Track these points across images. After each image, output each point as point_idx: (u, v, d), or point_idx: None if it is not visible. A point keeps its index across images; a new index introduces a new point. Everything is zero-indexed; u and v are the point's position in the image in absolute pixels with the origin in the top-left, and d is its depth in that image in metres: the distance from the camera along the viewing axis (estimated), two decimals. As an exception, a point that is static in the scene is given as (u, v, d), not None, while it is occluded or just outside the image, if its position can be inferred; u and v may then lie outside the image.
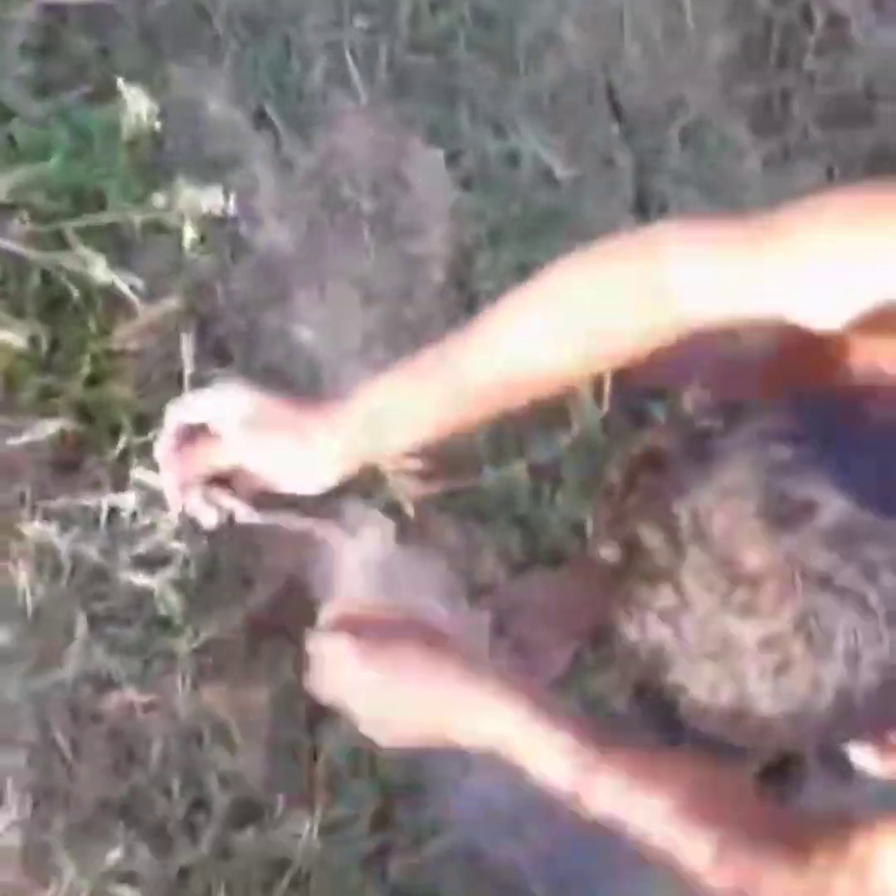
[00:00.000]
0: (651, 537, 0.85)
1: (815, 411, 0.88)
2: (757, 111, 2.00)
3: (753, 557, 0.82)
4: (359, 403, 1.09)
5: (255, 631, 1.40)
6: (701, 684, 0.85)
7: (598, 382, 1.68)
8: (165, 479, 1.14)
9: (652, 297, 1.01)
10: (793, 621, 0.81)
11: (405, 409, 1.08)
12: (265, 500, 1.17)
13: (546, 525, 1.67)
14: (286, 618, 1.44)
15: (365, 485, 1.43)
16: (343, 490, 1.43)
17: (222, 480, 1.15)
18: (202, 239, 1.21)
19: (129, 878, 1.25)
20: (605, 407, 1.61)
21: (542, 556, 1.66)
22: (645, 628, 0.86)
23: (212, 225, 1.31)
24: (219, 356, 1.36)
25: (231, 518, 1.16)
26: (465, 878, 1.51)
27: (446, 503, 1.58)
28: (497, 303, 1.08)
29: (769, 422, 0.86)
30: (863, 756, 0.91)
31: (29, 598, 1.24)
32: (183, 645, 1.33)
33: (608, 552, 0.89)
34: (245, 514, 1.16)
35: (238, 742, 1.35)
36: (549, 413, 1.68)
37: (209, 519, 1.15)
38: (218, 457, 1.11)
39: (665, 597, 0.85)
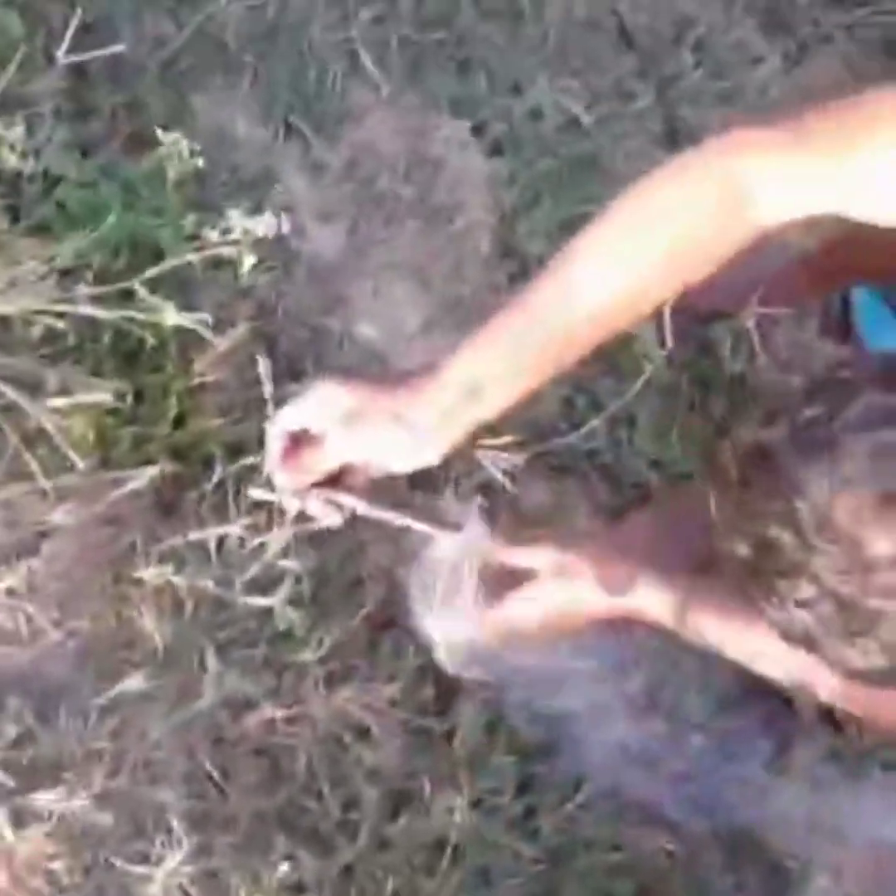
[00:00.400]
0: (779, 536, 0.88)
1: None
2: (764, 12, 1.98)
3: (882, 543, 0.85)
4: (452, 371, 1.10)
5: (373, 629, 1.43)
6: (854, 655, 0.89)
7: (658, 318, 1.69)
8: (281, 490, 1.16)
9: (728, 204, 1.04)
10: None
11: (499, 366, 1.09)
12: (379, 494, 1.20)
13: (629, 469, 1.69)
14: (399, 611, 1.47)
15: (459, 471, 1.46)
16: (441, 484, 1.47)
17: (335, 479, 1.16)
18: (255, 265, 1.22)
19: (297, 887, 1.30)
20: (669, 343, 1.61)
21: (631, 500, 1.68)
22: (790, 618, 0.90)
23: (265, 245, 1.32)
24: (292, 372, 1.38)
25: (353, 515, 1.19)
26: (611, 822, 1.55)
27: (533, 466, 1.61)
28: (569, 242, 1.08)
29: (871, 405, 0.87)
30: None
31: (158, 639, 1.27)
32: (309, 655, 1.37)
33: (741, 551, 0.91)
34: (364, 508, 1.18)
35: (378, 737, 1.39)
36: (617, 358, 1.70)
37: (333, 519, 1.17)
38: (326, 457, 1.13)
39: (804, 589, 0.88)
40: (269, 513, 1.34)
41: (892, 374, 0.90)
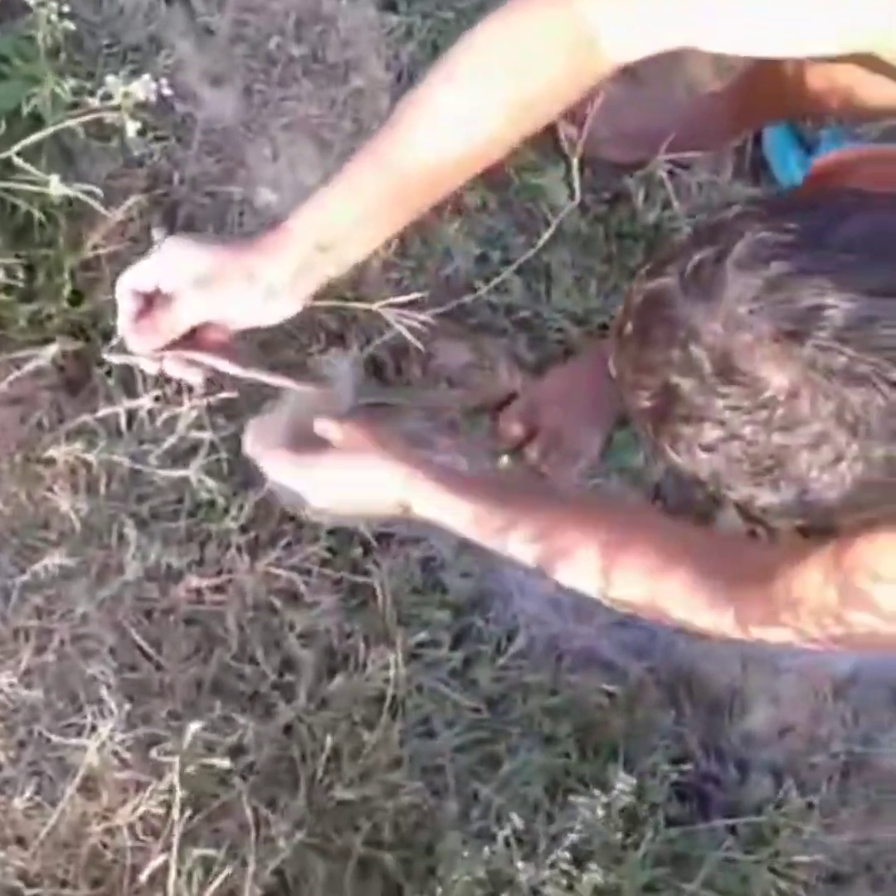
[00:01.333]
0: (680, 383, 0.89)
1: (801, 219, 0.88)
2: None
3: (780, 377, 0.86)
4: (300, 226, 1.09)
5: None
6: (765, 492, 0.90)
7: (566, 170, 1.67)
8: (136, 352, 1.15)
9: (574, 45, 1.03)
10: (832, 419, 0.86)
11: (347, 217, 1.08)
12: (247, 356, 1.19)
13: (549, 324, 1.68)
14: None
15: (366, 330, 1.45)
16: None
17: (192, 338, 1.15)
18: (144, 130, 1.19)
19: (236, 749, 1.32)
20: (578, 195, 1.60)
21: (551, 355, 1.68)
22: (697, 462, 0.91)
23: (152, 113, 1.30)
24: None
25: (216, 371, 1.18)
26: (548, 668, 1.58)
27: (450, 326, 1.60)
28: (414, 90, 1.07)
29: (757, 242, 0.87)
30: None
31: (74, 516, 1.27)
32: (231, 523, 1.37)
33: (644, 402, 0.92)
34: (225, 367, 1.18)
35: (308, 599, 1.40)
36: (525, 211, 1.68)
37: (194, 378, 1.17)
38: (179, 319, 1.12)
39: (708, 434, 0.89)
40: (179, 384, 1.34)
41: (778, 210, 0.90)
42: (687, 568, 1.11)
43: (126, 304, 1.13)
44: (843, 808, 1.67)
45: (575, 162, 1.55)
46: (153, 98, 1.14)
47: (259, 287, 1.09)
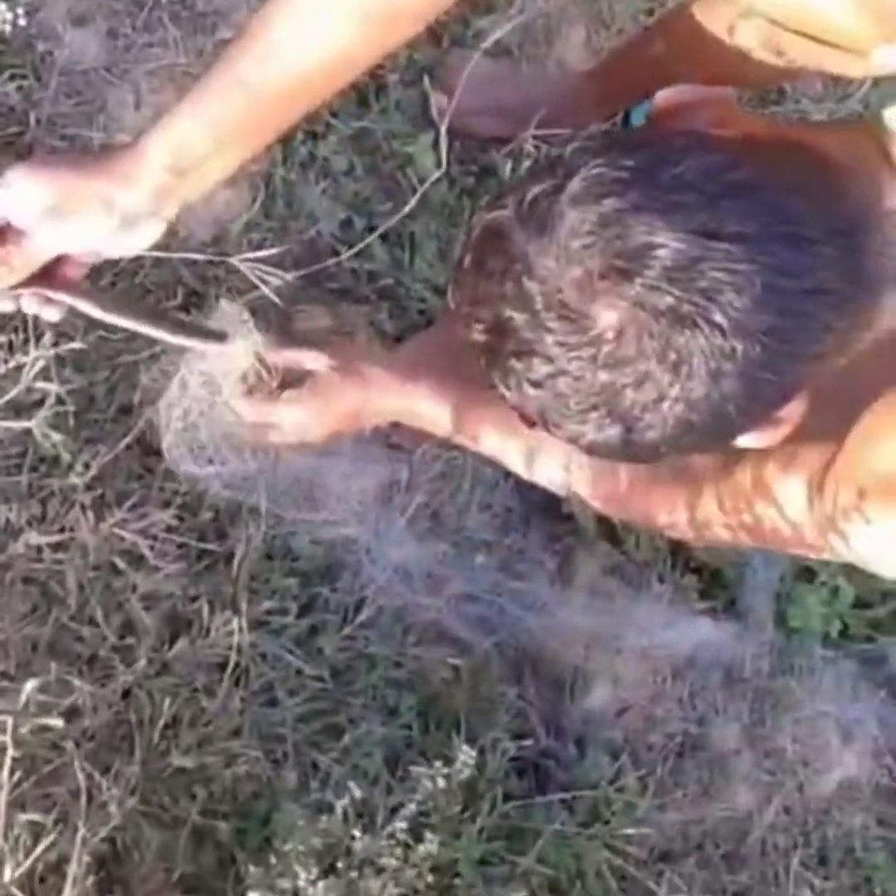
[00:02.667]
0: (512, 317, 0.88)
1: (636, 156, 0.88)
2: None
3: (608, 314, 0.86)
4: (155, 147, 1.05)
5: (145, 454, 1.40)
6: (590, 430, 0.90)
7: (434, 139, 1.66)
8: None
9: None
10: (655, 359, 0.86)
11: (201, 136, 1.04)
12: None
13: (411, 293, 1.67)
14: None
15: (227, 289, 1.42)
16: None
17: (50, 272, 1.10)
18: (0, 69, 1.14)
19: (71, 711, 1.28)
20: (443, 164, 1.59)
21: (414, 325, 1.67)
22: (526, 399, 0.90)
23: (10, 49, 1.24)
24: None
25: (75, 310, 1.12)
26: (394, 639, 1.57)
27: (311, 291, 1.58)
28: (265, 5, 1.03)
29: (593, 177, 0.87)
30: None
31: None
32: (75, 479, 1.33)
33: (478, 337, 0.91)
34: (87, 307, 1.12)
35: (153, 563, 1.37)
36: (392, 179, 1.67)
37: (52, 316, 1.11)
38: (32, 253, 1.07)
39: (537, 369, 0.88)
40: (26, 332, 1.29)
41: (615, 146, 0.89)
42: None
43: None
44: (676, 787, 1.70)
45: (443, 131, 1.54)
46: (9, 28, 1.09)
47: (115, 215, 1.04)
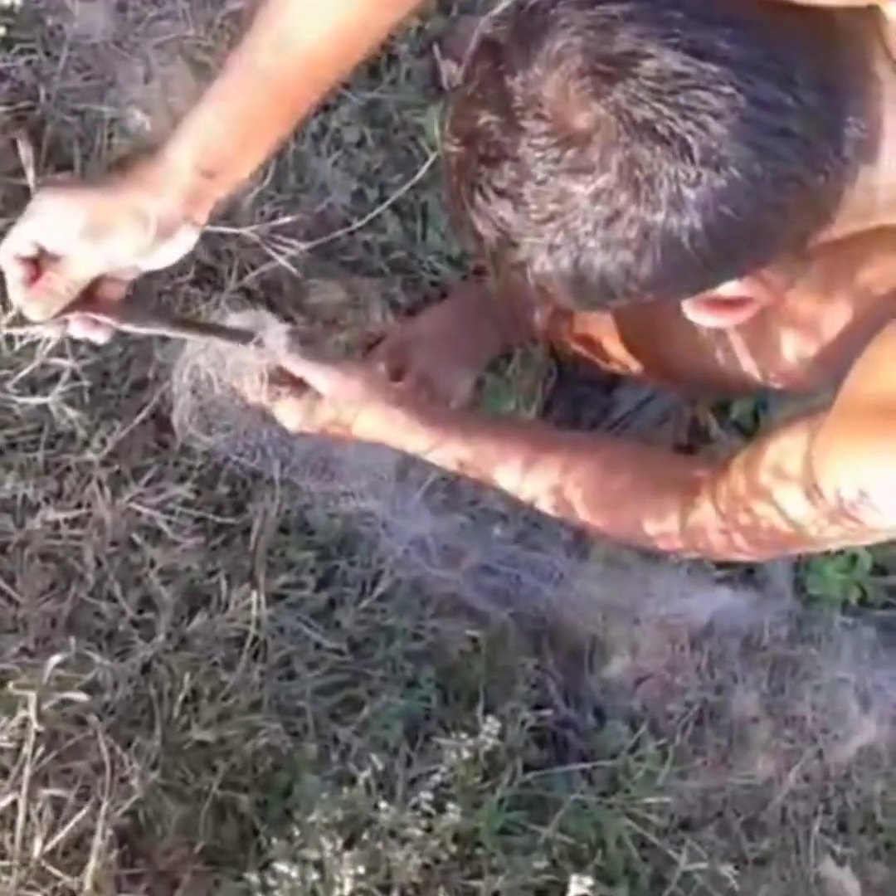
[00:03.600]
0: (488, 121, 0.86)
1: None
2: None
3: (582, 116, 0.84)
4: (181, 152, 1.04)
5: (161, 429, 1.40)
6: (543, 252, 0.87)
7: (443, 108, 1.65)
8: (36, 320, 1.09)
9: None
10: (618, 173, 0.84)
11: (232, 134, 1.04)
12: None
13: (424, 264, 1.67)
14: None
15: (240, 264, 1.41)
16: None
17: (91, 295, 1.10)
18: (10, 42, 1.14)
19: (92, 687, 1.28)
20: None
21: (427, 297, 1.67)
22: (489, 212, 0.87)
23: (19, 23, 1.24)
24: (58, 162, 1.31)
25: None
26: (412, 612, 1.57)
27: (324, 264, 1.57)
28: None
29: None
30: (698, 315, 0.96)
31: (-75, 444, 1.22)
32: (91, 455, 1.33)
33: (452, 148, 0.89)
34: (131, 325, 1.13)
35: (170, 537, 1.37)
36: (404, 150, 1.66)
37: (101, 338, 1.11)
38: (74, 276, 1.07)
39: (506, 173, 0.86)
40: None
41: None
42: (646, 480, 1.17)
43: (13, 273, 1.06)
44: (695, 755, 1.70)
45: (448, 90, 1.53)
46: (19, 3, 1.09)
47: (150, 226, 1.04)
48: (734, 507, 1.09)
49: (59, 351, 1.26)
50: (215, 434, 1.28)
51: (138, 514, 1.36)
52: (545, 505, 1.24)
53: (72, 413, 1.26)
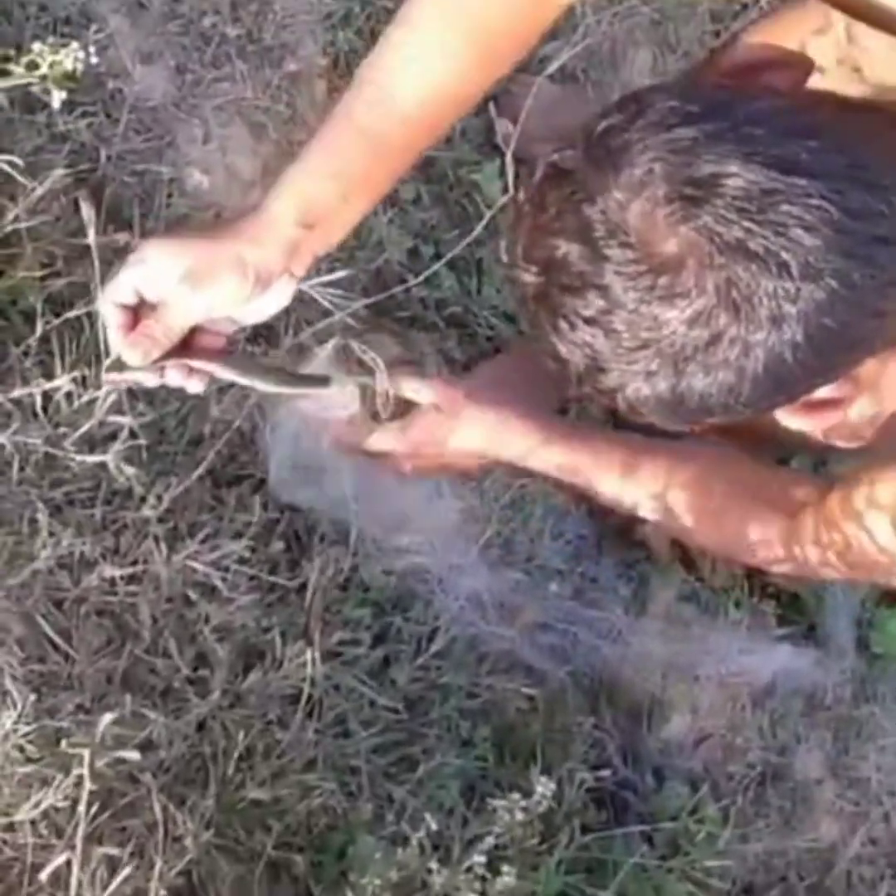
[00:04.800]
0: (568, 251, 0.85)
1: (710, 93, 0.87)
2: None
3: (671, 242, 0.83)
4: (283, 205, 1.04)
5: (216, 486, 1.40)
6: (638, 377, 0.86)
7: (500, 164, 1.66)
8: (134, 366, 1.08)
9: None
10: (715, 295, 0.83)
11: (332, 188, 1.04)
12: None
13: (479, 319, 1.67)
14: (243, 464, 1.45)
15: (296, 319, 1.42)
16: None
17: (186, 344, 1.09)
18: (72, 106, 1.15)
19: (147, 744, 1.28)
20: (511, 189, 1.58)
21: (482, 352, 1.67)
22: (576, 341, 0.87)
23: (81, 88, 1.26)
24: (118, 221, 1.32)
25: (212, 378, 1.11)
26: (468, 668, 1.56)
27: (380, 320, 1.58)
28: (378, 46, 1.04)
29: (666, 109, 0.84)
30: (791, 420, 0.95)
31: (-16, 500, 1.23)
32: (148, 512, 1.33)
33: (529, 278, 0.88)
34: (229, 375, 1.12)
35: (225, 594, 1.37)
36: (460, 206, 1.67)
37: (195, 387, 1.10)
38: (173, 323, 1.06)
39: (592, 302, 0.85)
40: (99, 367, 1.30)
41: (689, 85, 0.89)
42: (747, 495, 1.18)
43: (113, 319, 1.06)
44: (758, 817, 1.67)
45: (509, 157, 1.54)
46: (81, 67, 1.10)
47: (249, 275, 1.04)
48: (830, 526, 1.09)
49: (116, 408, 1.27)
50: (307, 488, 1.29)
51: (194, 570, 1.36)
52: (647, 510, 1.23)
53: (129, 470, 1.26)
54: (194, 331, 1.09)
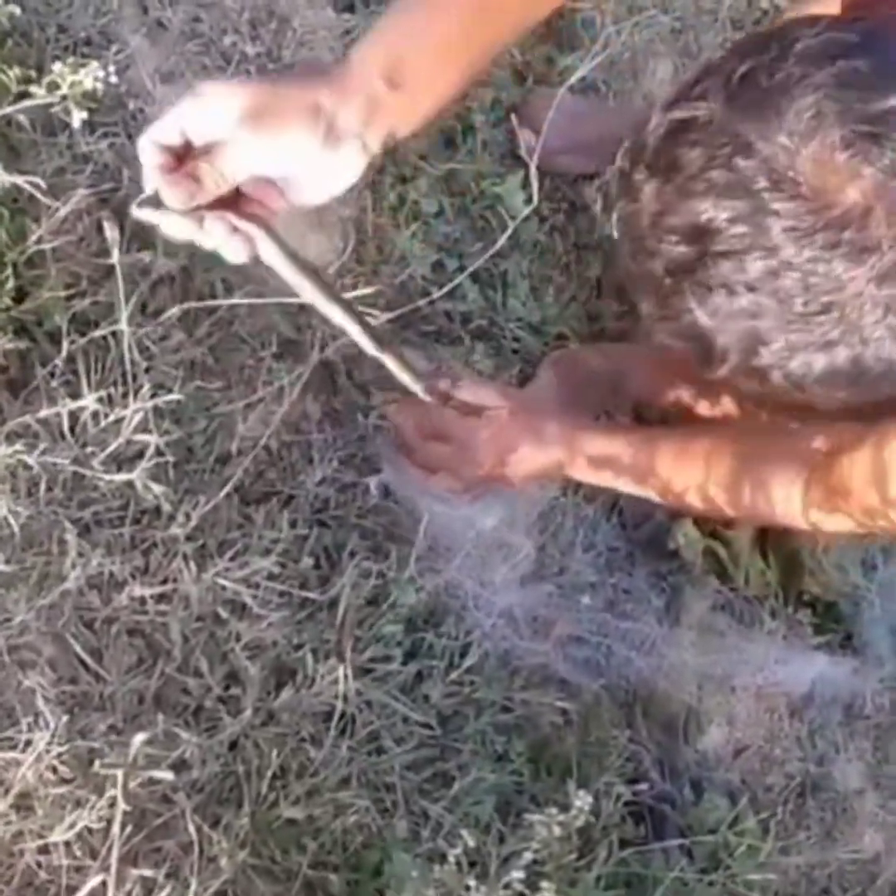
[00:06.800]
0: (715, 215, 0.76)
1: (859, 25, 0.78)
2: None
3: (852, 190, 0.73)
4: (368, 54, 0.93)
5: (244, 503, 1.40)
6: (808, 350, 0.76)
7: (524, 177, 1.66)
8: (172, 206, 0.93)
9: None
10: None
11: (422, 43, 0.93)
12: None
13: (504, 332, 1.66)
14: (271, 481, 1.44)
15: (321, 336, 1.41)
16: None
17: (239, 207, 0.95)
18: (93, 126, 1.15)
19: (180, 764, 1.27)
20: (535, 200, 1.58)
21: (508, 364, 1.66)
22: (732, 313, 0.77)
23: (102, 108, 1.26)
24: (142, 241, 1.32)
25: (257, 259, 0.98)
26: (501, 683, 1.54)
27: (405, 334, 1.57)
28: None
29: (826, 40, 0.75)
30: None
31: (13, 521, 1.22)
32: (177, 530, 1.33)
33: (672, 249, 0.78)
34: (267, 247, 0.97)
35: (256, 612, 1.36)
36: (483, 219, 1.66)
37: (234, 252, 0.96)
38: (226, 166, 0.91)
39: (754, 265, 0.76)
40: (125, 386, 1.30)
41: (830, 19, 0.77)
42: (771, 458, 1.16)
43: (151, 158, 0.92)
44: (798, 829, 1.64)
45: (533, 169, 1.53)
46: (101, 88, 1.10)
47: (321, 124, 0.91)
48: (872, 514, 1.02)
49: (143, 427, 1.26)
50: None
51: (223, 588, 1.35)
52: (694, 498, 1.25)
53: (157, 488, 1.26)
54: (240, 197, 0.95)
